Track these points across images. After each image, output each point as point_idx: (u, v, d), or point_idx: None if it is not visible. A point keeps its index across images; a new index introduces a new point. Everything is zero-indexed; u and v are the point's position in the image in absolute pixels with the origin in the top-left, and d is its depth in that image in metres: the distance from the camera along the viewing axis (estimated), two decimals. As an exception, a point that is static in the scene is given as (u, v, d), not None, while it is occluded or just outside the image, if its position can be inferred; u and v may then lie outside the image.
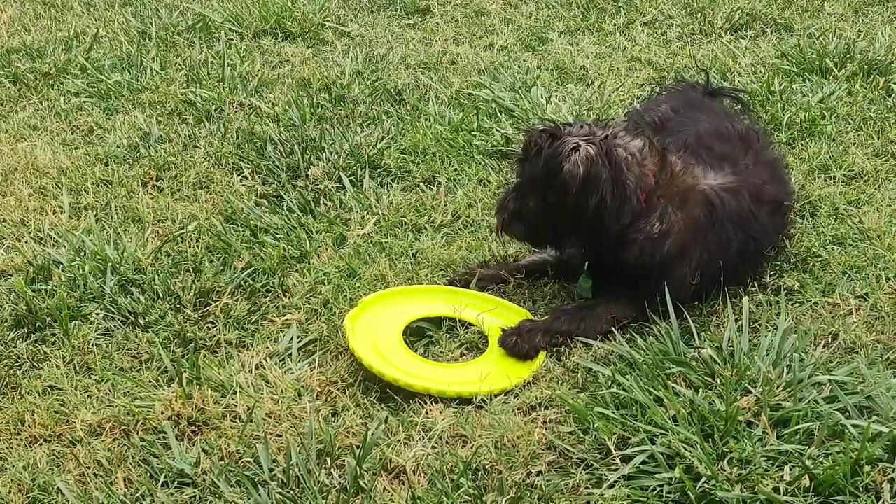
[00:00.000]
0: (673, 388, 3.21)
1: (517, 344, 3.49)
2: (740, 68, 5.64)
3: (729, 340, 3.39)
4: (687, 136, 3.99)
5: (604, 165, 3.48)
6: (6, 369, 3.53)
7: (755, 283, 3.82)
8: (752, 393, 3.15)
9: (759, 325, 3.57)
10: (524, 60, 5.95)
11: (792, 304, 3.72)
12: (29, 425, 3.27)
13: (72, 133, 5.24)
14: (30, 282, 3.92)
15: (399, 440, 3.17)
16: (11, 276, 3.99)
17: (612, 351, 3.48)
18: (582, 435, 3.15)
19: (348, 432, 3.20)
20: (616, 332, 3.55)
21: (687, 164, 3.72)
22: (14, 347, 3.64)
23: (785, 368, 3.25)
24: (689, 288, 3.63)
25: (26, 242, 4.19)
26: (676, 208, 3.61)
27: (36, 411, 3.31)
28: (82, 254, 4.05)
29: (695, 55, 5.88)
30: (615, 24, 6.42)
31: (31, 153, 4.96)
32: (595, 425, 3.12)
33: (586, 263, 3.75)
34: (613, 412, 3.17)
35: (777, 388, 3.16)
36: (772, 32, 6.22)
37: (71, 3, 7.17)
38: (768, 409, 3.09)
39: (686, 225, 3.62)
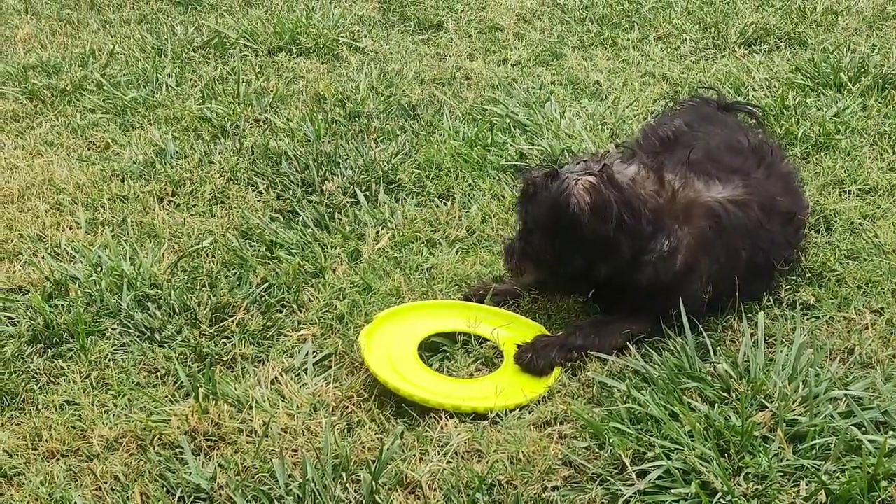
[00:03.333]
0: (688, 403, 3.20)
1: (532, 360, 3.49)
2: (754, 83, 5.64)
3: (744, 355, 3.39)
4: (692, 151, 3.99)
5: (609, 190, 3.48)
6: (23, 384, 3.54)
7: (770, 298, 3.81)
8: (767, 408, 3.15)
9: (775, 339, 3.57)
10: (538, 75, 5.97)
11: (807, 319, 3.72)
12: (46, 440, 3.28)
13: (88, 149, 5.27)
14: (47, 297, 3.93)
15: (414, 455, 3.17)
16: (29, 291, 4.01)
17: (628, 366, 3.48)
18: (597, 450, 3.15)
19: (364, 447, 3.21)
20: (631, 347, 3.55)
21: (686, 178, 3.71)
22: (31, 363, 3.65)
23: (801, 383, 3.25)
24: (703, 301, 3.63)
25: (43, 258, 4.21)
26: (682, 224, 3.60)
27: (53, 426, 3.33)
28: (99, 269, 4.07)
29: (708, 70, 5.89)
30: (629, 40, 6.43)
31: (48, 169, 4.99)
32: (611, 440, 3.12)
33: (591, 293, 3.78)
34: (629, 427, 3.17)
35: (793, 403, 3.16)
36: (786, 47, 6.22)
37: (87, 19, 7.23)
38: (784, 425, 3.09)
39: (693, 239, 3.62)
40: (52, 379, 3.59)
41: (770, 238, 3.77)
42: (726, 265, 3.66)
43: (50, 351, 3.71)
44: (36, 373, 3.62)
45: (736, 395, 3.21)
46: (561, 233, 3.53)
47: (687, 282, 3.61)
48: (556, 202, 3.49)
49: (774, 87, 5.59)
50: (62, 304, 3.89)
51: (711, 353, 3.47)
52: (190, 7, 7.33)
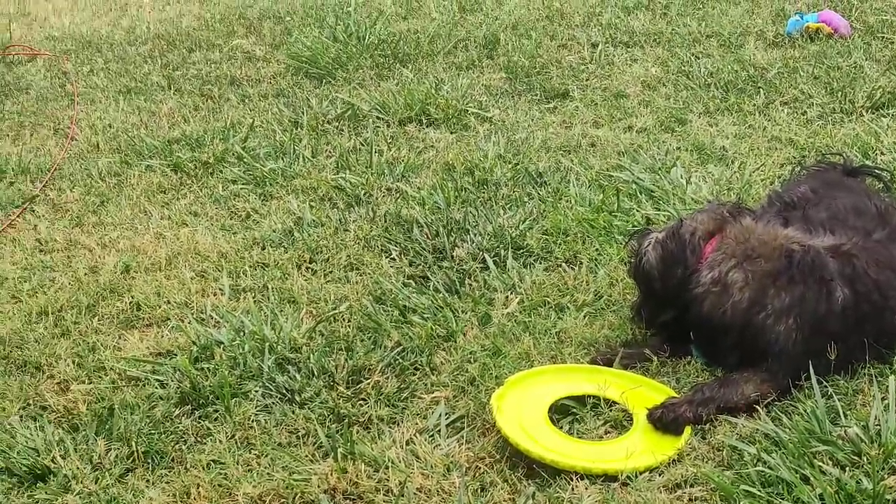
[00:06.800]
0: (819, 466, 3.22)
1: (663, 416, 3.57)
2: (883, 147, 5.62)
3: (875, 419, 3.38)
4: (811, 208, 4.18)
5: (671, 242, 3.92)
6: (172, 444, 3.73)
7: (902, 361, 3.81)
8: (899, 472, 3.15)
9: (906, 403, 3.56)
10: (663, 142, 6.04)
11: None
12: (194, 498, 3.44)
13: (230, 218, 5.51)
14: (193, 361, 4.13)
15: (546, 515, 3.25)
16: (176, 355, 4.22)
17: (757, 429, 3.50)
18: (727, 512, 3.19)
19: (497, 507, 3.30)
20: (760, 411, 3.58)
21: (766, 224, 3.98)
22: (179, 423, 3.84)
23: (933, 447, 3.24)
24: (791, 339, 3.68)
25: (189, 323, 4.43)
26: (743, 262, 3.79)
27: (201, 484, 3.49)
28: (242, 334, 4.26)
29: (836, 134, 5.89)
30: (755, 105, 6.46)
31: (193, 238, 5.23)
32: (741, 503, 3.15)
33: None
34: (759, 490, 3.19)
35: (925, 467, 3.16)
36: (914, 110, 6.18)
37: (227, 94, 7.55)
38: (916, 488, 3.08)
39: (756, 275, 3.76)
40: (199, 439, 3.77)
41: (880, 290, 3.79)
42: (810, 306, 3.69)
43: (197, 412, 3.89)
44: (184, 433, 3.79)
45: (867, 459, 3.21)
46: (645, 286, 4.04)
47: (759, 317, 3.72)
48: (638, 265, 4.03)
49: (903, 150, 5.57)
50: (208, 367, 4.08)
51: (842, 416, 3.48)
52: (324, 81, 7.60)
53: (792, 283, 3.72)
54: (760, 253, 3.80)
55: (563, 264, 4.75)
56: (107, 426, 3.79)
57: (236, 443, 3.71)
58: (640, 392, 3.75)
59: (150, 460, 3.66)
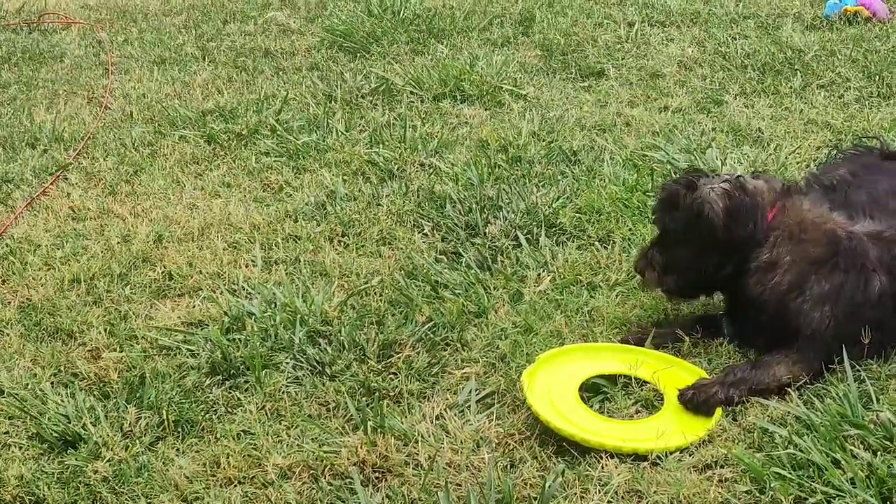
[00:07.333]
0: (851, 450, 3.20)
1: (694, 396, 3.56)
2: (921, 131, 5.58)
3: (908, 404, 3.37)
4: (851, 190, 4.10)
5: (741, 195, 3.75)
6: (203, 414, 3.74)
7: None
8: (932, 458, 3.13)
9: (941, 389, 3.54)
10: (699, 122, 6.00)
11: (975, 370, 3.67)
12: (224, 467, 3.45)
13: (263, 191, 5.52)
14: (225, 331, 4.14)
15: (575, 493, 3.24)
16: (208, 325, 4.23)
17: (789, 412, 3.49)
18: (758, 494, 3.17)
19: (526, 484, 3.30)
20: (792, 393, 3.56)
21: (816, 205, 3.88)
22: (210, 393, 3.85)
23: (967, 434, 3.21)
24: (825, 324, 3.65)
25: (221, 294, 4.44)
26: (788, 242, 3.74)
27: (231, 454, 3.50)
28: (273, 305, 4.26)
29: (873, 118, 5.83)
30: (791, 87, 6.41)
31: (226, 209, 5.24)
32: (772, 485, 3.14)
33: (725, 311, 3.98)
34: (790, 473, 3.18)
35: (959, 453, 3.14)
36: (954, 94, 6.13)
37: (261, 66, 7.56)
38: (950, 475, 3.06)
39: (801, 259, 3.71)
40: (229, 409, 3.77)
41: None
42: (849, 294, 3.67)
43: (227, 382, 3.90)
44: (215, 403, 3.80)
45: (899, 444, 3.20)
46: (696, 239, 3.79)
47: (796, 302, 3.69)
48: (692, 209, 3.77)
49: (942, 135, 5.52)
50: (239, 339, 4.09)
51: (875, 401, 3.45)
52: (359, 55, 7.59)
53: (834, 270, 3.69)
54: (811, 237, 3.75)
55: (596, 243, 4.73)
56: (137, 394, 3.80)
57: (266, 414, 3.72)
58: (672, 372, 3.73)
59: (180, 429, 3.67)
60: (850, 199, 4.03)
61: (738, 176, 3.85)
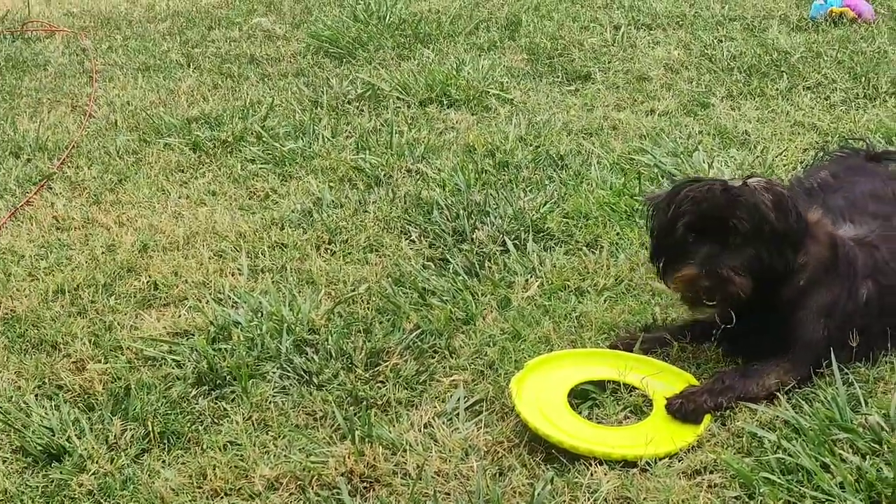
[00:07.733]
0: (840, 454, 3.19)
1: (683, 405, 3.53)
2: (907, 132, 5.57)
3: (897, 407, 3.36)
4: (829, 197, 4.03)
5: (781, 189, 3.62)
6: (189, 425, 3.70)
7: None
8: (922, 461, 3.12)
9: (930, 392, 3.53)
10: (685, 125, 5.99)
11: (964, 372, 3.66)
12: (210, 479, 3.42)
13: (248, 198, 5.49)
14: (211, 341, 4.11)
15: (565, 501, 3.22)
16: (193, 335, 4.20)
17: (777, 416, 3.47)
18: (748, 500, 3.15)
19: (515, 492, 3.27)
20: (781, 398, 3.55)
21: (816, 208, 3.84)
22: (196, 404, 3.81)
23: (957, 437, 3.20)
24: (819, 334, 3.63)
25: (207, 303, 4.41)
26: (809, 243, 3.68)
27: (217, 466, 3.47)
28: (259, 314, 4.24)
29: (859, 120, 5.83)
30: (777, 89, 6.40)
31: (211, 217, 5.22)
32: (761, 490, 3.12)
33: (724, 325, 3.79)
34: (779, 477, 3.16)
35: (949, 457, 3.12)
36: (940, 95, 6.12)
37: (247, 73, 7.53)
38: (939, 479, 3.05)
39: (817, 261, 3.66)
40: (215, 420, 3.74)
41: None
42: (841, 299, 3.66)
43: (214, 393, 3.87)
44: (201, 414, 3.77)
45: (888, 447, 3.18)
46: (760, 234, 3.52)
47: (804, 310, 3.64)
48: (749, 206, 3.51)
49: (928, 136, 5.51)
50: (225, 348, 4.06)
51: (863, 404, 3.44)
52: (344, 61, 7.57)
53: (836, 277, 3.67)
54: (820, 240, 3.71)
55: (584, 248, 4.71)
56: (123, 406, 3.77)
57: (253, 424, 3.69)
58: (661, 378, 3.71)
59: (166, 441, 3.64)
60: (827, 203, 4.01)
61: (749, 176, 3.71)
